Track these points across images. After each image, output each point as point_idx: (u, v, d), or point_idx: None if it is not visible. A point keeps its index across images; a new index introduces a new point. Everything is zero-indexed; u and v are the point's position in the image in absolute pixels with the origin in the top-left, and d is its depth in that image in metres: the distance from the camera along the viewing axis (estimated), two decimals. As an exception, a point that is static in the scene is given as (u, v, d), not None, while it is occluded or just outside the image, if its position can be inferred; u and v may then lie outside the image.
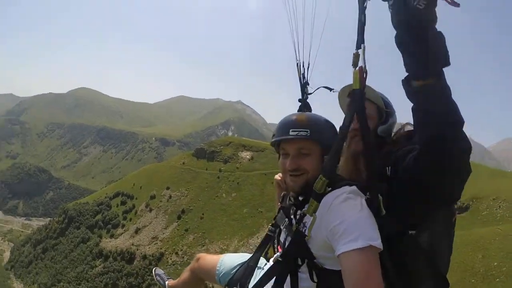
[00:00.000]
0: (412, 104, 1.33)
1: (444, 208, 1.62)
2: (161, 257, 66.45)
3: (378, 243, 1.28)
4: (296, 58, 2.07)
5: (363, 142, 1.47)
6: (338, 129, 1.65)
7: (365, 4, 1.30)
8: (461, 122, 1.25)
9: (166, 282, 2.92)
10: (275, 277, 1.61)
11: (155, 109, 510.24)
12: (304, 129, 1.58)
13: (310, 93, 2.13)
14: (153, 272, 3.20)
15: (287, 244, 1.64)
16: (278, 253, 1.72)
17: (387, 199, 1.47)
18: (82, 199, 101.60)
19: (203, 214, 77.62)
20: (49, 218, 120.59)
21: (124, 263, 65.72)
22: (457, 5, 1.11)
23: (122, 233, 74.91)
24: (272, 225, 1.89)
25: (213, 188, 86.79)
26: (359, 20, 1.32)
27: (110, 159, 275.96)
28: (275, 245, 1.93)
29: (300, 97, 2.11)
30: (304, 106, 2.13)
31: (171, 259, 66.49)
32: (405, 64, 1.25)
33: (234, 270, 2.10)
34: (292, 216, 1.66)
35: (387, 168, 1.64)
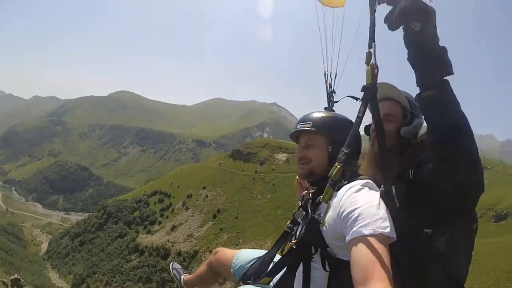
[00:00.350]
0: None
1: (465, 213, 1.58)
2: (195, 255, 66.62)
3: (389, 231, 1.28)
4: (324, 68, 2.13)
5: (376, 136, 1.56)
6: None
7: (375, 7, 1.40)
8: (466, 131, 1.31)
9: (182, 277, 2.88)
10: (288, 265, 1.65)
11: (192, 111, 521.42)
12: (307, 122, 1.73)
13: (336, 101, 2.20)
14: (170, 267, 3.13)
15: (299, 232, 1.69)
16: (293, 241, 1.71)
17: (404, 198, 1.51)
18: (121, 196, 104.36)
19: (238, 214, 77.60)
20: (87, 213, 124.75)
21: (159, 259, 66.55)
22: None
23: (159, 229, 75.89)
24: (290, 222, 1.89)
25: (249, 189, 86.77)
26: (370, 21, 1.42)
27: (148, 159, 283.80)
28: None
29: (326, 105, 2.16)
30: None
31: (205, 257, 65.66)
32: (416, 80, 1.37)
33: (249, 264, 2.08)
34: (309, 208, 1.71)
35: (410, 170, 1.67)
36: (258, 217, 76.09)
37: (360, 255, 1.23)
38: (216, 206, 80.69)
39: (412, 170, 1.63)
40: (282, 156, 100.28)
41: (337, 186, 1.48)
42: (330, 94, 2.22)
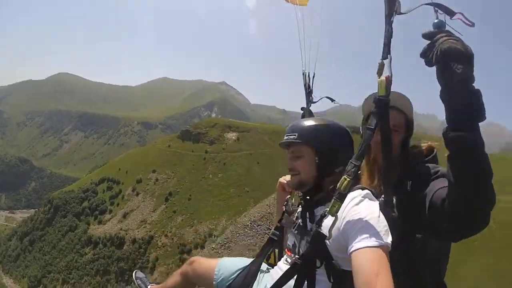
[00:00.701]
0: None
1: None
2: (150, 240, 66.73)
3: (390, 243, 1.34)
4: (303, 68, 2.17)
5: (384, 150, 1.53)
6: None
7: (392, 18, 1.39)
8: (490, 174, 1.30)
9: (149, 287, 2.74)
10: (294, 280, 1.58)
11: (137, 92, 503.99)
12: (293, 133, 1.72)
13: (314, 102, 2.24)
14: (133, 276, 2.94)
15: (301, 246, 1.67)
16: (291, 256, 1.71)
17: (399, 206, 1.58)
18: (67, 187, 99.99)
19: (190, 195, 78.01)
20: (33, 210, 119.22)
21: (114, 249, 65.64)
22: (471, 24, 1.24)
23: (110, 218, 74.60)
24: (275, 229, 1.92)
25: (200, 169, 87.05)
26: (387, 32, 1.41)
27: (92, 145, 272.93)
28: (283, 249, 1.93)
29: (304, 106, 2.24)
30: (308, 113, 2.30)
31: (160, 241, 66.73)
32: (445, 117, 1.33)
33: (235, 275, 2.00)
34: (307, 218, 1.71)
35: (408, 182, 1.69)
36: (210, 197, 77.05)
37: (364, 267, 1.26)
38: (167, 189, 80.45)
39: (410, 182, 1.69)
40: (232, 135, 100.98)
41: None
42: (309, 94, 2.29)
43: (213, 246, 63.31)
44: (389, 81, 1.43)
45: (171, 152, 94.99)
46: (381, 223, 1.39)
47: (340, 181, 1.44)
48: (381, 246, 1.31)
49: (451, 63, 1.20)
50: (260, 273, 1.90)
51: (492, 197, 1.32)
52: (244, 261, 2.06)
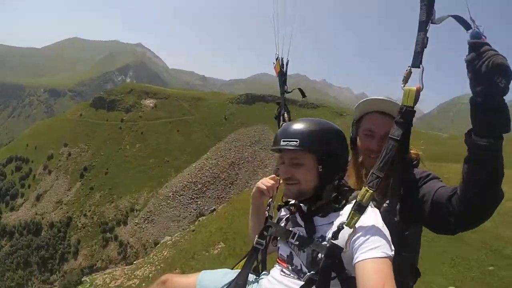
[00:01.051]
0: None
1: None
2: (69, 222, 66.55)
3: (392, 254, 1.34)
4: (276, 52, 2.25)
5: (399, 159, 1.51)
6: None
7: (428, 27, 1.36)
8: (503, 176, 1.41)
9: None
10: None
11: (44, 54, 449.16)
12: (294, 139, 1.57)
13: (288, 92, 2.31)
14: None
15: (300, 257, 1.58)
16: (287, 267, 1.64)
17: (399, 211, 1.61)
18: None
19: (107, 169, 77.67)
20: None
21: (31, 237, 63.60)
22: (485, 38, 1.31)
23: (23, 203, 71.73)
24: (259, 237, 1.83)
25: (116, 140, 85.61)
26: (421, 40, 1.37)
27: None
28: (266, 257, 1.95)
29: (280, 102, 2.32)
30: (284, 103, 2.34)
31: (80, 222, 67.04)
32: (473, 121, 1.36)
33: None
34: (306, 228, 1.62)
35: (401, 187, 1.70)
36: (129, 169, 77.39)
37: (370, 278, 1.26)
38: (82, 164, 78.64)
39: (402, 188, 1.66)
40: (149, 102, 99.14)
41: (341, 205, 1.54)
42: (283, 82, 2.30)
43: (136, 221, 64.96)
44: (419, 92, 1.41)
45: (84, 122, 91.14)
46: (386, 233, 1.40)
47: (361, 193, 1.42)
48: (386, 257, 1.31)
49: (497, 77, 1.26)
50: (248, 285, 1.79)
51: (501, 195, 1.43)
52: (227, 274, 1.87)
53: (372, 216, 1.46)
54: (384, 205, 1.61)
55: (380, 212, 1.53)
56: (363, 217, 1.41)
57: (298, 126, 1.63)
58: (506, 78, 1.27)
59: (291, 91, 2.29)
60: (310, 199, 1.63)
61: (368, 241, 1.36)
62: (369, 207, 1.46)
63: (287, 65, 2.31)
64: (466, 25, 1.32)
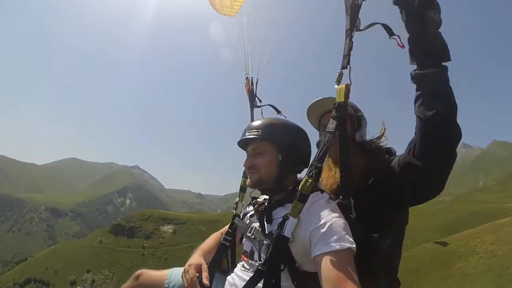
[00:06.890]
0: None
1: (403, 216, 1.78)
2: None
3: (354, 246, 1.31)
4: (245, 73, 2.35)
5: (341, 150, 1.54)
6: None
7: (353, 33, 1.49)
8: (456, 108, 1.42)
9: None
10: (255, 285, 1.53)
11: (43, 172, 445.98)
12: (256, 130, 1.69)
13: (259, 106, 2.41)
14: None
15: (261, 251, 1.64)
16: (249, 262, 1.70)
17: (357, 204, 1.54)
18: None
19: (135, 297, 72.32)
20: None
21: None
22: (402, 46, 1.43)
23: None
24: (226, 234, 1.93)
25: (139, 267, 77.33)
26: (347, 45, 1.50)
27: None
28: (235, 254, 2.00)
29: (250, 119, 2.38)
30: (252, 119, 2.48)
31: None
32: (416, 56, 1.43)
33: None
34: (264, 220, 1.67)
35: (368, 176, 1.73)
36: None
37: (331, 270, 1.23)
38: (108, 292, 72.63)
39: (372, 179, 1.69)
40: (168, 228, 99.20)
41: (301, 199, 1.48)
42: (253, 98, 2.42)
43: None
44: (348, 88, 1.49)
45: (104, 249, 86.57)
46: (345, 226, 1.38)
47: (302, 182, 1.46)
48: (347, 250, 1.29)
49: (429, 11, 1.34)
50: (215, 281, 1.86)
51: (458, 131, 1.41)
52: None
53: (330, 209, 1.45)
54: (338, 201, 1.56)
55: None
56: (321, 209, 1.45)
57: (261, 120, 1.80)
58: (437, 11, 1.37)
59: (261, 106, 2.43)
60: (272, 190, 1.72)
61: (326, 233, 1.34)
62: (328, 201, 1.52)
63: (256, 83, 2.52)
64: (389, 31, 1.46)
